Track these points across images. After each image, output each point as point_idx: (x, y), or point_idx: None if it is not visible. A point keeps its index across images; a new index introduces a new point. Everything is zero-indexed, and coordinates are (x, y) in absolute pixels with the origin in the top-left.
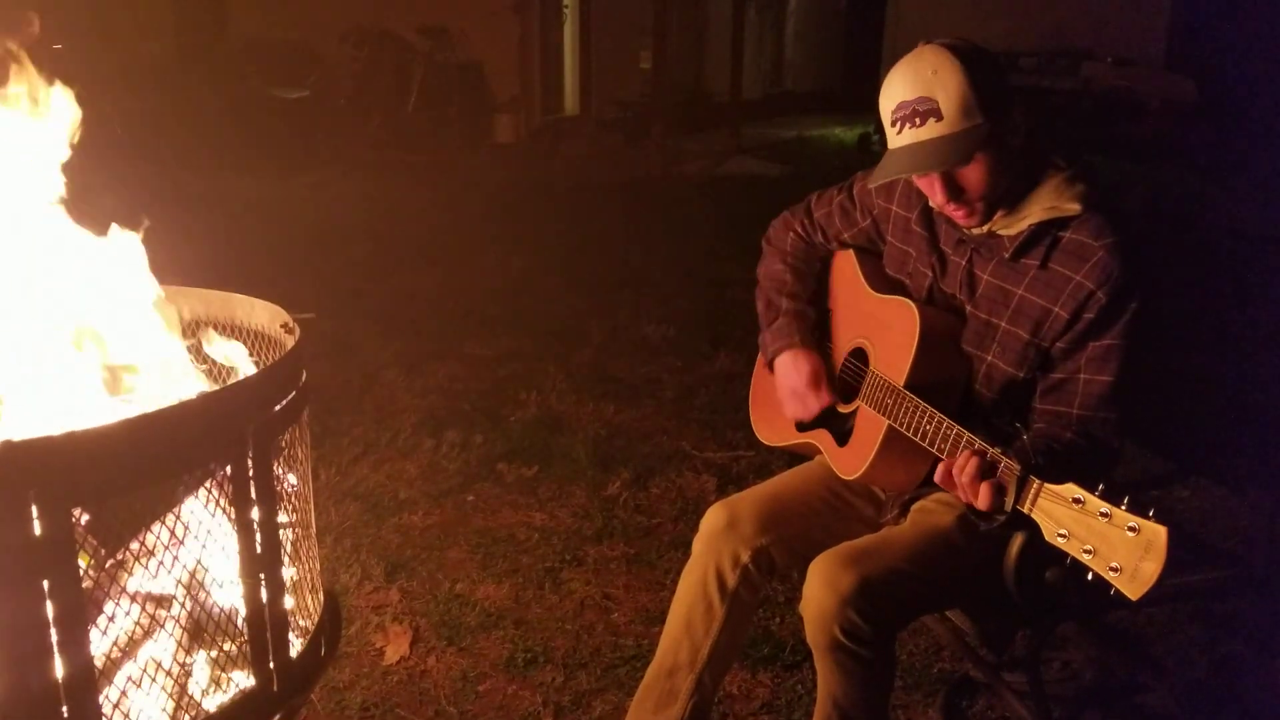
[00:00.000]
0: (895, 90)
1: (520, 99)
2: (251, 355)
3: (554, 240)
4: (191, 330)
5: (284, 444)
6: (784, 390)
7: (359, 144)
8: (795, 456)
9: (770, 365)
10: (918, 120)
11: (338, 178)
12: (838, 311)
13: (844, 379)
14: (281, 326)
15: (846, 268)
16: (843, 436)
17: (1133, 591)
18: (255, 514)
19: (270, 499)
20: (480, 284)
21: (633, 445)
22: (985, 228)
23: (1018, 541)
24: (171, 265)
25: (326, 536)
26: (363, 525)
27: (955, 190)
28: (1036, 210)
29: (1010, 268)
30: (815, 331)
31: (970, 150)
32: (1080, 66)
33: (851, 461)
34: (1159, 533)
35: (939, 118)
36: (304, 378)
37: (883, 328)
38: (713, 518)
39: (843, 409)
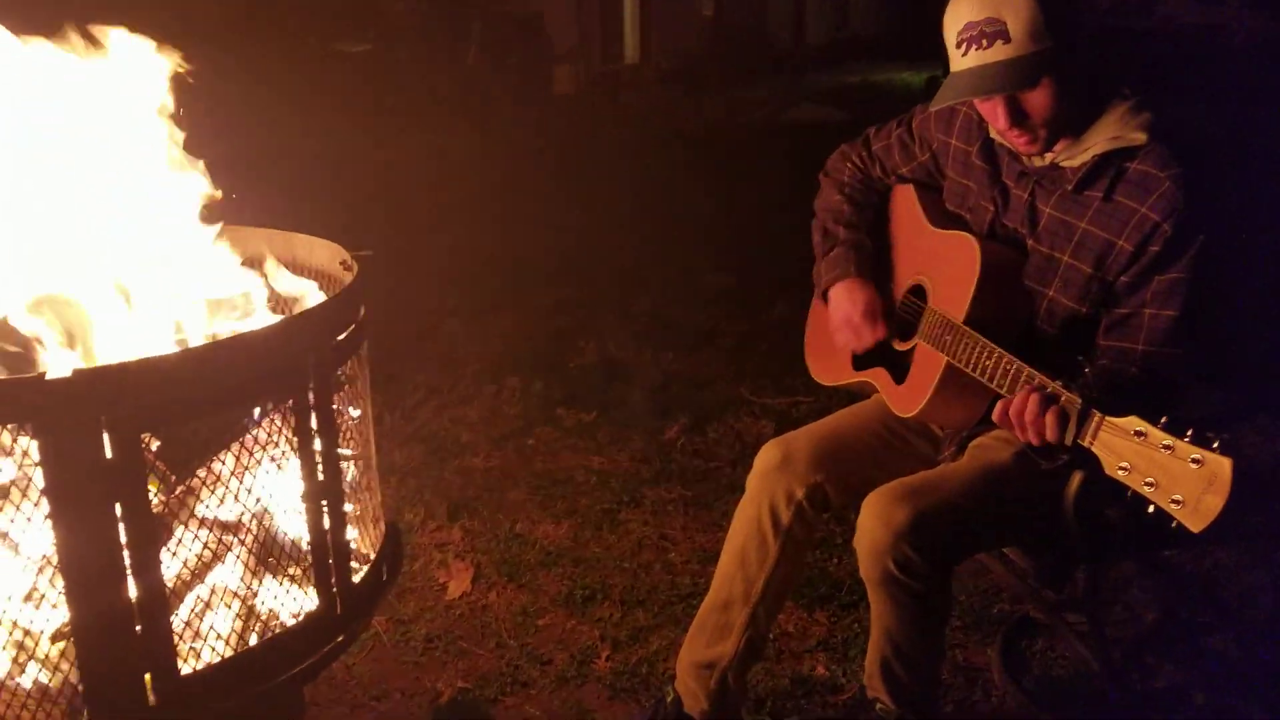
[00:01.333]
0: (962, 10)
1: (580, 49)
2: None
3: (613, 190)
4: (255, 266)
5: (344, 377)
6: (837, 320)
7: (420, 97)
8: (853, 397)
9: (824, 296)
10: (985, 42)
11: (399, 131)
12: (896, 248)
13: (902, 316)
14: (340, 264)
15: (905, 203)
16: (900, 374)
17: (1195, 524)
18: (317, 444)
19: (331, 429)
20: (539, 234)
21: (691, 392)
22: (1047, 158)
23: (1077, 478)
24: (237, 215)
25: (391, 477)
26: (426, 467)
27: (1019, 115)
28: (1100, 140)
29: (1073, 200)
30: (872, 263)
31: (1037, 74)
32: (1155, 3)
33: (909, 399)
34: (1223, 464)
35: (1006, 39)
36: (362, 312)
37: (942, 263)
38: (767, 455)
39: (900, 346)
